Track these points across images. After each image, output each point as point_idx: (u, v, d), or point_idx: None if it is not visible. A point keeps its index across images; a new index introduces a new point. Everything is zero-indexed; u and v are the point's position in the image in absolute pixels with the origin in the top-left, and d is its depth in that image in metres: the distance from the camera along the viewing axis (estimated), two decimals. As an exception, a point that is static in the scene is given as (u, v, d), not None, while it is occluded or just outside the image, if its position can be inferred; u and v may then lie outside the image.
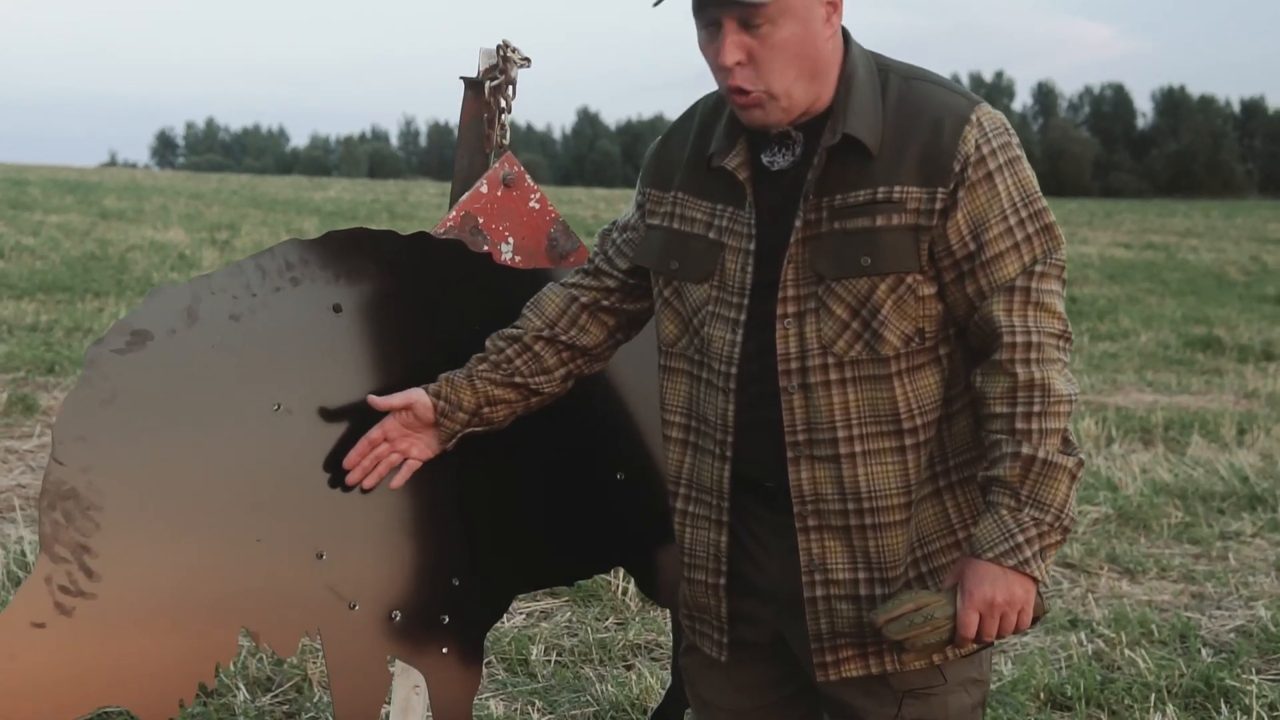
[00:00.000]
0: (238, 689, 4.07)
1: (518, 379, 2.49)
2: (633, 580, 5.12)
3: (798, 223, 2.23)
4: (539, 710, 4.11)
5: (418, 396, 2.47)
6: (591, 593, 5.10)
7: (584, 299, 2.49)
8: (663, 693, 4.16)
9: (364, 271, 2.53)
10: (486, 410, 2.49)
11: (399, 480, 2.50)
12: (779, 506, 2.31)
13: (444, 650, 2.61)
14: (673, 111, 2.36)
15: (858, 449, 2.24)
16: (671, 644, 3.00)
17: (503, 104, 2.74)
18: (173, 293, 2.38)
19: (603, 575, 5.21)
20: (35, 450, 6.87)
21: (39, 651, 2.24)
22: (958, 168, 2.19)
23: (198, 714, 3.93)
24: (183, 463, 2.35)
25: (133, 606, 2.31)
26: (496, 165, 2.76)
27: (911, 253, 2.20)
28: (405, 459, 2.50)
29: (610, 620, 4.93)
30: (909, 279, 2.21)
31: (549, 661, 4.52)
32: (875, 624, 2.19)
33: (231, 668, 4.19)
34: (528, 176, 2.77)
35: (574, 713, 4.15)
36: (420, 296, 2.59)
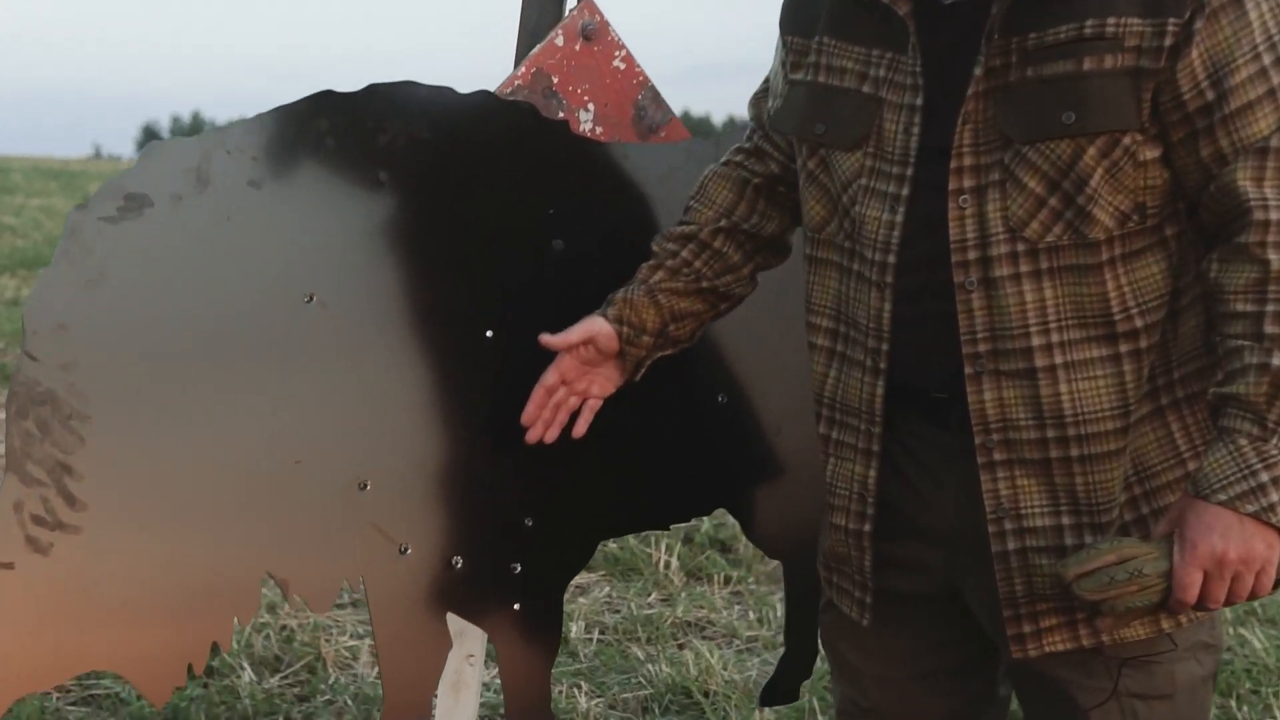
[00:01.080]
0: (242, 668, 3.56)
1: (704, 284, 2.04)
2: (675, 554, 4.65)
3: (977, 70, 1.73)
4: (586, 693, 3.61)
5: (598, 327, 2.02)
6: (631, 566, 4.61)
7: (757, 182, 2.05)
8: (724, 674, 3.68)
9: (414, 136, 2.03)
10: (673, 328, 2.05)
11: (580, 427, 2.06)
12: (953, 425, 1.82)
13: (515, 606, 2.10)
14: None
15: (1059, 360, 1.74)
16: (785, 606, 2.49)
17: (584, -66, 2.23)
18: (178, 149, 1.87)
19: (642, 547, 4.73)
20: (14, 419, 6.35)
21: (5, 598, 1.72)
22: None
23: (196, 697, 3.42)
24: (189, 363, 1.85)
25: (126, 545, 1.80)
26: (574, 12, 2.25)
27: (1130, 105, 1.70)
28: (584, 400, 2.06)
29: (654, 596, 4.43)
30: (1126, 140, 1.71)
31: (590, 640, 4.02)
32: (1064, 579, 1.69)
33: (234, 644, 3.68)
34: (612, 28, 2.26)
35: (625, 695, 3.65)
36: (482, 168, 2.09)
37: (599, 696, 3.63)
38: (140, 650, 1.81)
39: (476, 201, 2.07)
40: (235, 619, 1.88)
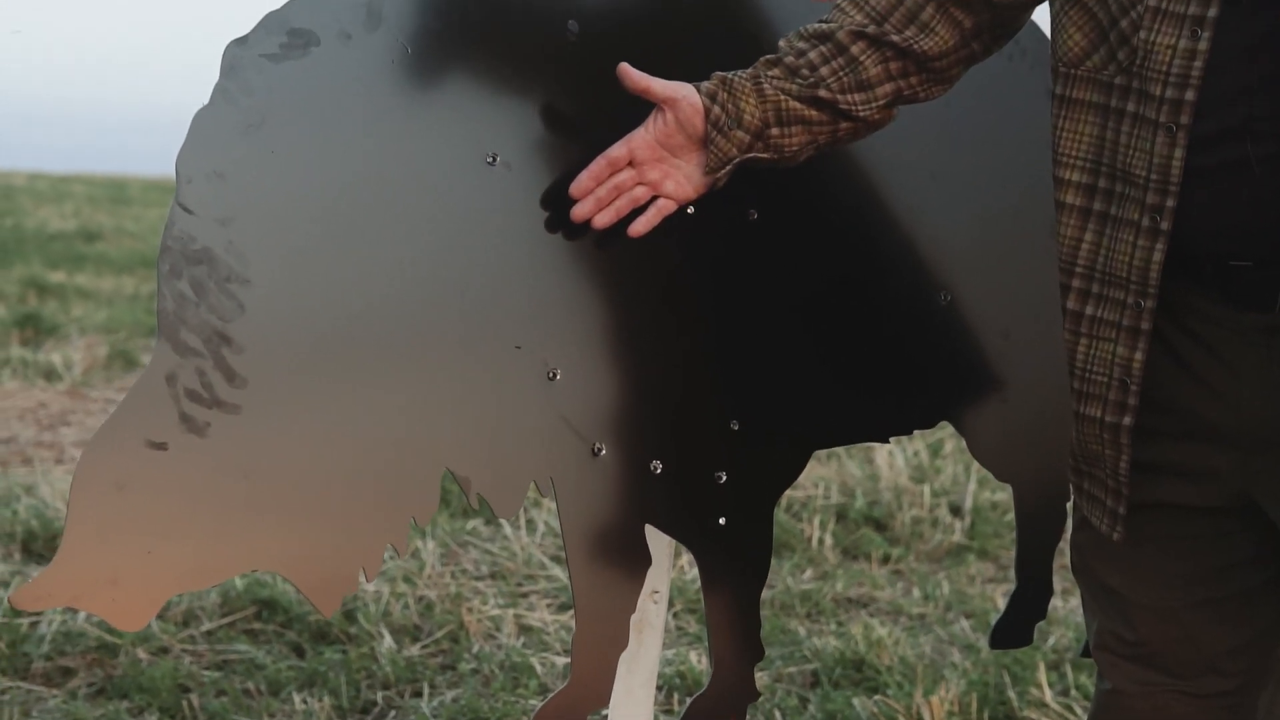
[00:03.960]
0: (382, 635, 3.34)
1: (822, 92, 1.69)
2: (829, 531, 4.36)
3: None
4: (749, 666, 3.32)
5: (684, 93, 1.69)
6: (783, 543, 4.32)
7: None
8: (896, 652, 3.38)
9: None
10: (775, 132, 1.70)
11: (643, 225, 1.72)
12: (1254, 300, 1.52)
13: (721, 521, 1.84)
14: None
15: None
16: (1017, 543, 2.20)
17: None
18: (347, -17, 1.63)
19: (794, 522, 4.44)
20: (136, 402, 6.26)
21: (158, 484, 1.49)
22: None
23: (336, 663, 3.20)
24: (358, 221, 1.61)
25: (291, 429, 1.56)
26: None
27: None
28: (656, 196, 1.72)
29: (809, 573, 4.14)
30: None
31: (747, 614, 3.73)
32: None
33: (373, 611, 3.46)
34: None
35: (790, 669, 3.38)
36: (683, 25, 1.84)
37: (763, 670, 3.35)
38: (308, 551, 1.57)
39: (674, 60, 1.81)
40: (412, 519, 1.63)
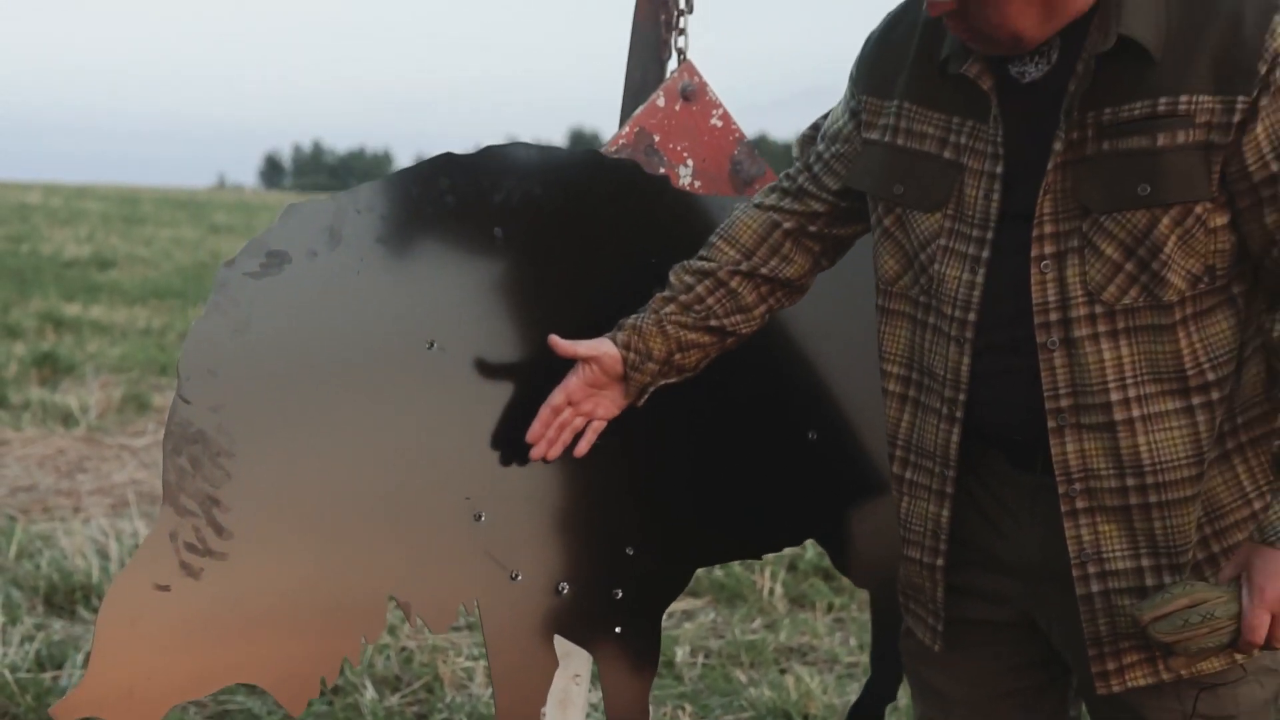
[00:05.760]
0: (365, 688, 3.77)
1: (712, 321, 2.15)
2: (779, 581, 4.77)
3: (1057, 145, 1.84)
4: (690, 715, 3.76)
5: (604, 349, 2.14)
6: (736, 593, 4.75)
7: (787, 225, 2.13)
8: (823, 699, 3.80)
9: (528, 193, 2.20)
10: (678, 357, 2.16)
11: (583, 446, 2.18)
12: (1033, 466, 1.94)
13: (617, 629, 2.26)
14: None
15: (1136, 414, 1.85)
16: (872, 635, 2.62)
17: (682, 3, 2.39)
18: (312, 211, 2.06)
19: (747, 574, 4.86)
20: (149, 447, 6.69)
21: (163, 617, 1.92)
22: (1264, 69, 1.76)
23: (322, 713, 3.63)
24: (324, 403, 2.03)
25: (268, 570, 1.99)
26: (675, 75, 2.41)
27: (1202, 177, 1.79)
28: (590, 421, 2.18)
29: (758, 622, 4.56)
30: (1198, 209, 1.80)
31: (695, 664, 4.16)
32: (1139, 622, 1.81)
33: (359, 663, 3.89)
34: (710, 89, 2.42)
35: (727, 718, 3.79)
36: (590, 223, 2.25)
37: (702, 719, 3.77)
38: (280, 665, 2.00)
39: (584, 251, 2.24)
40: (363, 637, 2.06)
